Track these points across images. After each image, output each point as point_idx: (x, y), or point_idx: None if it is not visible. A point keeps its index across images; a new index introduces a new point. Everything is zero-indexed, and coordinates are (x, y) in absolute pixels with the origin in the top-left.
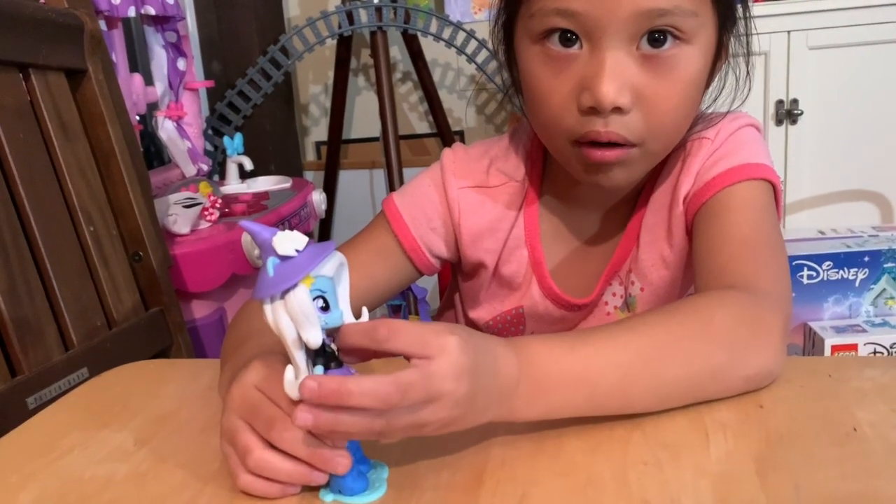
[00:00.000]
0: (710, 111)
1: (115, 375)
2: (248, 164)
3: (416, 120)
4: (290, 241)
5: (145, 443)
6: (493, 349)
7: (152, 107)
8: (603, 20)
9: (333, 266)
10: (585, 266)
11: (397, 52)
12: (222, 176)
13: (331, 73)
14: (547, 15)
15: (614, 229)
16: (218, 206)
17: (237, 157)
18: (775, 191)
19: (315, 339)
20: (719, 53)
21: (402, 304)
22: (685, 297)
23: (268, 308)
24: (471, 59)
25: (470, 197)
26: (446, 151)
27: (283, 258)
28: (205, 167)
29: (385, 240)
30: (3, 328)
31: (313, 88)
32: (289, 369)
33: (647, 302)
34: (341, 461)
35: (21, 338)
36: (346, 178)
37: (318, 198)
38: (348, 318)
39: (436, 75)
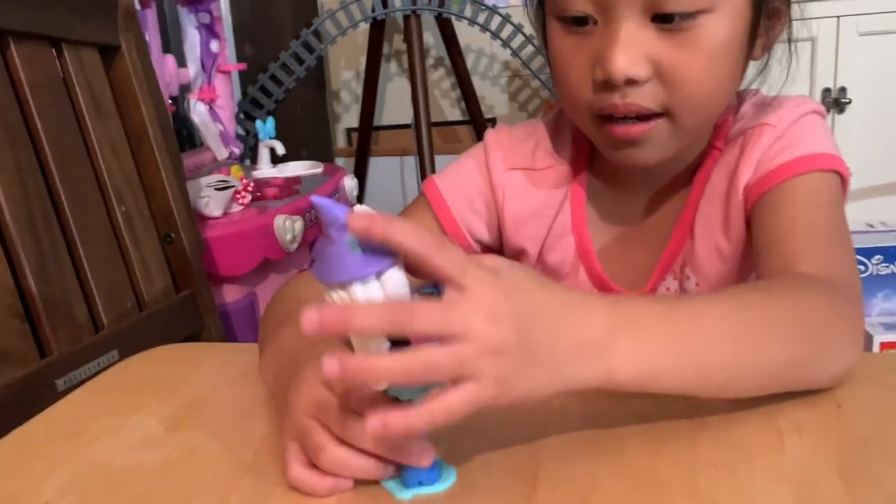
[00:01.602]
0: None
1: (145, 358)
2: (280, 149)
3: (447, 107)
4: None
5: (176, 430)
6: (564, 293)
7: (185, 89)
8: None
9: None
10: (635, 256)
11: (430, 37)
12: (254, 160)
13: (363, 59)
14: None
15: (666, 218)
16: (250, 189)
17: (269, 141)
18: (843, 182)
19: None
20: (758, 19)
21: (433, 291)
22: (773, 277)
23: (357, 289)
24: (506, 43)
25: (515, 179)
26: (490, 132)
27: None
28: (236, 151)
29: (425, 223)
30: (33, 308)
31: (345, 74)
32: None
33: None
34: (426, 452)
35: (51, 318)
36: (376, 164)
37: (349, 183)
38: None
39: (469, 61)
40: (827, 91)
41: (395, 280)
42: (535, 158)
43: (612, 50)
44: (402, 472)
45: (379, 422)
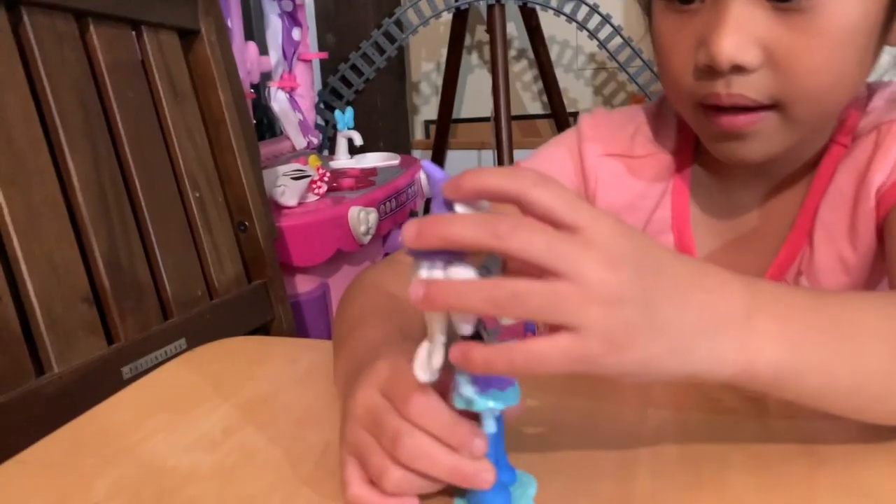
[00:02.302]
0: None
1: (209, 351)
2: (358, 139)
3: (528, 100)
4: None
5: (234, 432)
6: (695, 261)
7: (266, 77)
8: None
9: None
10: (742, 260)
11: (513, 28)
12: (332, 151)
13: (444, 50)
14: None
15: (779, 220)
16: (326, 179)
17: (347, 131)
18: None
19: (465, 329)
20: None
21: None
22: None
23: (424, 272)
24: (592, 34)
25: (610, 166)
26: (585, 116)
27: None
28: (315, 141)
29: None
30: (103, 293)
31: (426, 66)
32: (422, 348)
33: None
34: (486, 476)
35: (119, 304)
36: (453, 158)
37: (425, 176)
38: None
39: (553, 53)
40: None
41: (462, 275)
42: (635, 145)
43: (718, 31)
44: (468, 493)
45: (460, 350)
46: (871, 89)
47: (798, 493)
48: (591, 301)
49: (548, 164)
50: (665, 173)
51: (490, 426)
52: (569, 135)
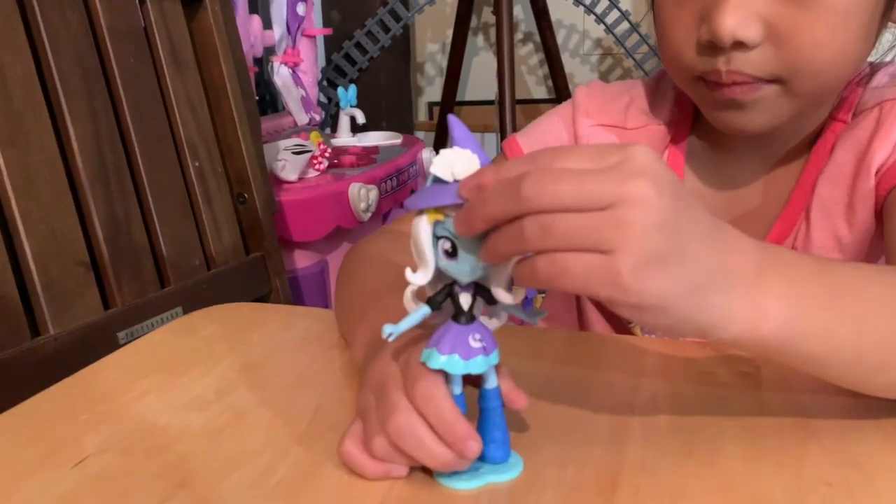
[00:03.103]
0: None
1: (204, 316)
2: (361, 118)
3: (533, 84)
4: (452, 165)
5: (226, 393)
6: (714, 219)
7: (269, 52)
8: None
9: None
10: None
11: (520, 11)
12: (334, 129)
13: (449, 32)
14: None
15: (775, 195)
16: (327, 155)
17: (350, 109)
18: None
19: (416, 279)
20: None
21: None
22: None
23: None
24: (599, 18)
25: (603, 137)
26: (580, 88)
27: (439, 178)
28: (317, 117)
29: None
30: (100, 258)
31: (431, 47)
32: (408, 292)
33: None
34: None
35: (116, 269)
36: None
37: (428, 156)
38: (478, 274)
39: (559, 37)
40: None
41: (417, 227)
42: (628, 117)
43: (720, 7)
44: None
45: (488, 247)
46: (874, 67)
47: (789, 464)
48: (630, 219)
49: (543, 134)
50: (659, 145)
51: (456, 388)
52: (564, 106)
